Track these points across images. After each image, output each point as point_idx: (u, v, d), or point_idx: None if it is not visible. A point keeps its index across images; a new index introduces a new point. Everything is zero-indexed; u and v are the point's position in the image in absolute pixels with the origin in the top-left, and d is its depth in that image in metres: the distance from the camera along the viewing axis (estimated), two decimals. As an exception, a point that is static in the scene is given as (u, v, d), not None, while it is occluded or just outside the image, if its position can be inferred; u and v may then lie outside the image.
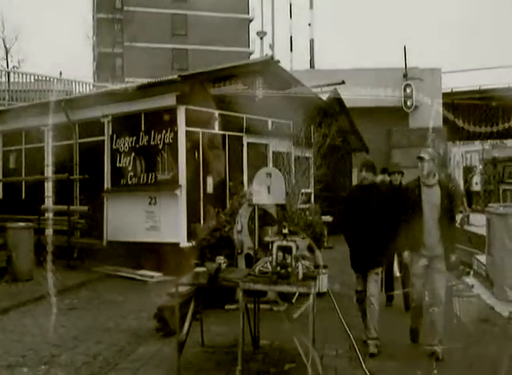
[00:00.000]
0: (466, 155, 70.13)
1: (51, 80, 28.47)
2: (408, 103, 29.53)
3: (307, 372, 5.84)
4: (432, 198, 7.35)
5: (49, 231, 17.02)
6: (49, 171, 17.65)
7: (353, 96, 24.16)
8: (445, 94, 30.51)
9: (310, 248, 8.42)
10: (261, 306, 8.60)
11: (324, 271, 10.14)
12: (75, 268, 14.67)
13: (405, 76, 29.57)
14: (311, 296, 6.04)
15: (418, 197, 7.38)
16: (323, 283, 10.33)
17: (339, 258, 14.00)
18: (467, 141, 56.31)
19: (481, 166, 60.58)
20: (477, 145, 65.25)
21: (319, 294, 9.78)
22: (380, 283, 8.15)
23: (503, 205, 16.25)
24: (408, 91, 29.48)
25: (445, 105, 28.85)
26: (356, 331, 8.02)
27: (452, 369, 6.68)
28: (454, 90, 33.46)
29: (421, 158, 7.44)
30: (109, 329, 8.93)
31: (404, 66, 29.76)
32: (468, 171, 59.76)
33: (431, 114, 27.73)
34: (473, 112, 32.26)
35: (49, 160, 17.76)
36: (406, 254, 7.57)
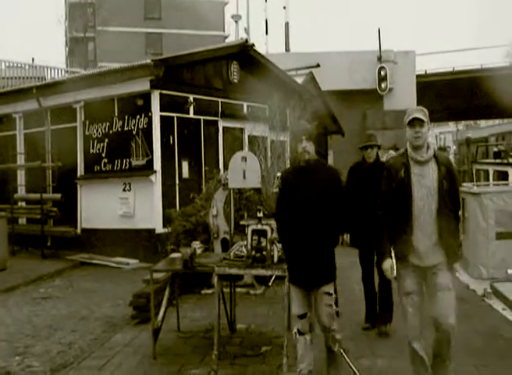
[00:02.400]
0: (440, 136, 70.84)
1: (23, 66, 28.07)
2: (382, 86, 29.50)
3: (283, 354, 5.83)
4: (425, 181, 5.00)
5: (22, 220, 16.89)
6: (21, 159, 17.44)
7: (328, 79, 24.12)
8: (419, 76, 30.58)
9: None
10: (238, 290, 8.59)
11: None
12: (49, 256, 14.56)
13: (379, 58, 29.52)
14: (287, 279, 6.00)
15: (405, 179, 5.02)
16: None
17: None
18: (441, 123, 56.83)
19: (454, 147, 61.26)
20: (451, 126, 65.97)
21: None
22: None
23: (476, 184, 16.36)
24: (382, 73, 29.45)
25: (419, 86, 28.96)
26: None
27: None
28: (428, 72, 33.60)
29: (414, 121, 5.04)
30: (84, 317, 8.85)
31: (379, 48, 29.72)
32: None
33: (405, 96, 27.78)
34: (447, 94, 32.44)
35: (21, 148, 17.54)
36: (386, 265, 5.05)
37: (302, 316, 5.40)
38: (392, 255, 5.07)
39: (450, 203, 5.03)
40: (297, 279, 5.34)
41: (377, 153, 7.70)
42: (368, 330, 7.48)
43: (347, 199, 6.57)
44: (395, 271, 5.03)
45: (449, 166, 5.13)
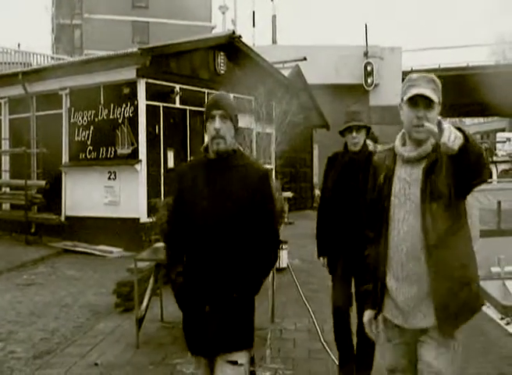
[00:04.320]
0: (425, 133, 71.14)
1: (9, 51, 27.82)
2: (369, 81, 29.62)
3: (266, 346, 5.88)
4: (413, 191, 3.22)
5: (6, 206, 16.81)
6: (6, 145, 17.34)
7: (314, 73, 24.17)
8: (405, 73, 30.71)
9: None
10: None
11: (284, 246, 10.19)
12: (33, 243, 14.49)
13: (366, 54, 29.62)
14: (271, 271, 6.05)
15: (384, 188, 3.34)
16: (283, 258, 10.38)
17: (299, 233, 14.11)
18: (427, 119, 57.03)
19: (439, 144, 61.47)
20: (436, 123, 66.20)
21: (279, 269, 9.86)
22: None
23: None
24: (369, 68, 29.56)
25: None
26: (315, 305, 8.09)
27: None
28: (414, 68, 33.74)
29: (418, 99, 3.14)
30: (68, 304, 8.85)
31: (365, 44, 29.81)
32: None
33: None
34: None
35: (6, 134, 17.44)
36: (367, 317, 3.45)
37: None
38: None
39: (456, 226, 3.20)
40: (193, 341, 3.51)
41: (365, 140, 5.32)
42: None
43: (324, 207, 5.46)
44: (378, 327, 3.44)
45: (451, 163, 2.99)
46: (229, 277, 3.36)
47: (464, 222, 3.28)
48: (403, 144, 3.33)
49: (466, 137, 2.78)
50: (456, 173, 3.00)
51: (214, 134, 3.42)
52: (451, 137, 2.72)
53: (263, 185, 3.50)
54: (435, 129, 2.78)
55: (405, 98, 3.19)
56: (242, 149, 3.65)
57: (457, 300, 3.17)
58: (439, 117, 2.99)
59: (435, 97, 3.15)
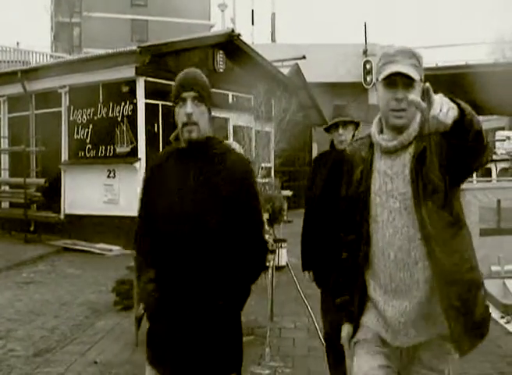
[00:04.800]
0: (424, 131, 71.17)
1: (8, 50, 27.79)
2: (368, 79, 29.59)
3: (265, 344, 5.89)
4: (397, 185, 2.76)
5: (5, 204, 16.81)
6: (5, 143, 17.33)
7: (313, 71, 24.17)
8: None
9: (269, 222, 8.45)
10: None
11: (283, 245, 10.20)
12: (32, 241, 14.49)
13: (365, 52, 29.59)
14: (270, 269, 6.05)
15: (362, 185, 2.86)
16: (282, 256, 10.39)
17: (298, 232, 14.10)
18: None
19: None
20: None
21: (278, 268, 9.87)
22: None
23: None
24: (368, 67, 29.53)
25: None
26: (314, 303, 8.09)
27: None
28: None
29: (396, 79, 2.65)
30: (67, 303, 8.85)
31: (364, 42, 29.79)
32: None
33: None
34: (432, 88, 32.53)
35: (5, 132, 17.44)
36: (345, 333, 2.97)
37: None
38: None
39: (458, 224, 2.75)
40: (162, 361, 2.96)
41: (353, 135, 4.76)
42: None
43: (310, 218, 4.99)
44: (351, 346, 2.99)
45: (442, 153, 2.60)
46: (209, 286, 2.81)
47: (463, 218, 2.80)
48: (381, 132, 2.83)
49: (461, 108, 2.30)
50: (451, 156, 2.51)
51: (185, 120, 2.86)
52: (443, 109, 2.24)
53: (248, 180, 2.96)
54: (422, 102, 2.28)
55: (380, 78, 2.69)
56: (218, 137, 3.11)
57: (474, 308, 2.68)
58: (427, 84, 2.29)
59: (417, 74, 2.64)
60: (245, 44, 17.50)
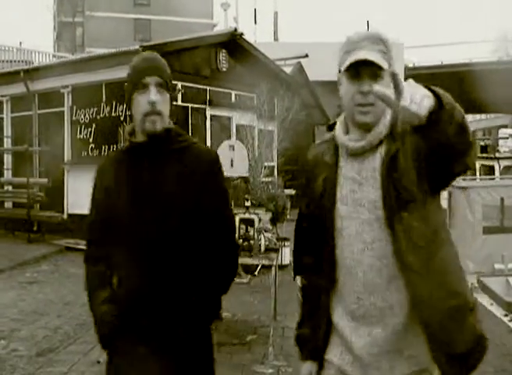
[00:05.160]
0: (427, 129, 71.24)
1: (11, 49, 27.83)
2: (371, 77, 29.60)
3: (268, 343, 5.88)
4: (365, 193, 2.32)
5: (8, 204, 16.82)
6: (8, 143, 17.35)
7: (316, 69, 24.14)
8: (407, 69, 30.70)
9: (272, 221, 8.45)
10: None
11: (286, 243, 10.19)
12: (35, 241, 14.49)
13: (368, 50, 29.56)
14: (273, 268, 6.05)
15: (326, 194, 2.41)
16: (285, 255, 10.37)
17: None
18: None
19: (441, 141, 61.50)
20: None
21: (281, 267, 9.86)
22: None
23: (463, 178, 16.51)
24: (371, 65, 29.53)
25: (407, 79, 29.08)
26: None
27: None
28: (416, 65, 33.73)
29: (361, 69, 2.24)
30: (70, 302, 8.84)
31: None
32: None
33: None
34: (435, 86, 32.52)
35: (8, 131, 17.45)
36: (305, 371, 2.49)
37: None
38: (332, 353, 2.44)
39: (440, 238, 2.33)
40: None
41: None
42: None
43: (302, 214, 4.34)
44: None
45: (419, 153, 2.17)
46: (171, 307, 2.43)
47: (446, 233, 2.40)
48: (347, 132, 2.41)
49: (438, 96, 1.92)
50: (430, 158, 2.10)
51: (148, 109, 2.49)
52: (415, 98, 1.86)
53: (214, 176, 2.56)
54: (389, 92, 1.92)
55: (343, 68, 2.29)
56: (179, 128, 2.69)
57: (459, 337, 2.26)
58: (393, 68, 2.06)
59: (385, 62, 2.22)
60: (248, 43, 17.50)
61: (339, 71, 2.35)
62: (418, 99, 1.88)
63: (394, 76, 1.95)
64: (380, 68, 2.22)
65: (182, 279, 2.46)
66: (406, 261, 2.21)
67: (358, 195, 2.31)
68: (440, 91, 1.96)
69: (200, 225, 2.47)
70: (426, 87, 1.95)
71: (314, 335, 2.46)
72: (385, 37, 2.33)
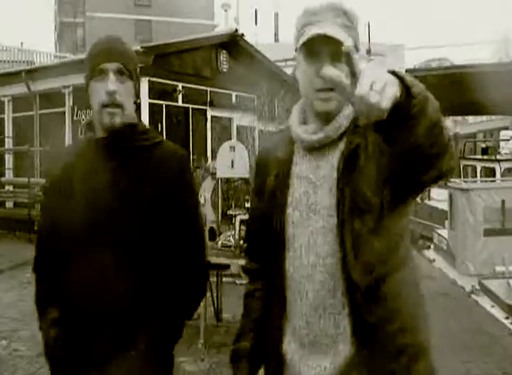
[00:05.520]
0: (428, 131, 71.27)
1: (12, 50, 27.86)
2: (372, 79, 29.65)
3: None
4: (321, 197, 1.91)
5: (9, 204, 16.82)
6: (9, 143, 17.36)
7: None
8: (408, 71, 30.77)
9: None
10: (224, 280, 8.64)
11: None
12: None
13: (368, 51, 29.62)
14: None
15: (277, 194, 2.00)
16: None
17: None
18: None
19: (442, 142, 61.53)
20: (439, 121, 66.25)
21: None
22: None
23: (464, 180, 16.54)
24: (372, 66, 29.58)
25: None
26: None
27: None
28: (417, 66, 33.77)
29: (318, 46, 1.83)
30: (71, 302, 8.84)
31: (368, 41, 29.82)
32: (430, 147, 60.58)
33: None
34: (435, 89, 32.60)
35: (9, 132, 17.46)
36: None
37: None
38: None
39: (395, 258, 1.92)
40: None
41: None
42: None
43: None
44: None
45: (380, 151, 1.79)
46: (128, 330, 2.10)
47: (407, 248, 1.98)
48: (304, 122, 2.02)
49: (405, 84, 1.49)
50: (393, 160, 1.70)
51: (106, 100, 2.13)
52: (376, 85, 1.39)
53: (182, 180, 2.22)
54: (342, 76, 1.44)
55: (299, 45, 1.89)
56: (145, 124, 2.37)
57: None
58: (347, 44, 1.51)
59: (349, 38, 1.84)
60: (248, 43, 17.53)
61: (296, 49, 1.93)
62: (379, 87, 1.40)
63: (348, 55, 1.45)
64: (341, 44, 1.68)
65: (141, 298, 2.12)
66: (353, 281, 1.83)
67: (312, 199, 1.92)
68: (409, 78, 1.52)
69: (163, 238, 2.12)
70: (393, 72, 1.51)
71: (255, 353, 2.11)
72: (351, 9, 1.95)
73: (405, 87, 1.49)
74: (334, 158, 1.90)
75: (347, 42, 1.74)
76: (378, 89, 1.40)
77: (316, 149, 1.94)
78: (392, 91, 1.43)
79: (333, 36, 1.79)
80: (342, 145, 1.90)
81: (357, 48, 1.89)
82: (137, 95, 2.26)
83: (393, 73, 1.50)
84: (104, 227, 2.09)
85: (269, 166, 2.07)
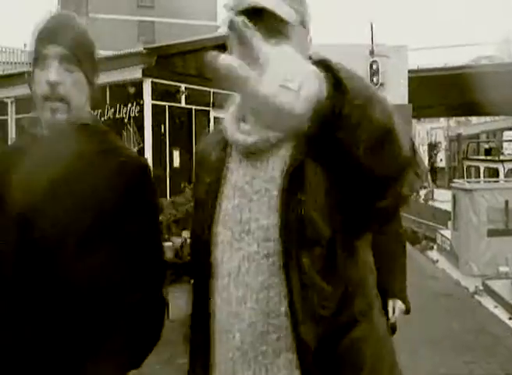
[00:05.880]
0: (431, 131, 71.31)
1: (15, 51, 27.88)
2: (374, 80, 29.51)
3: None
4: (256, 212, 1.47)
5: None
6: (12, 144, 17.38)
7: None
8: (411, 71, 30.69)
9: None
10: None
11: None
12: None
13: (371, 53, 29.55)
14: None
15: (208, 206, 1.58)
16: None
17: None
18: (433, 118, 57.15)
19: (445, 143, 61.57)
20: (442, 122, 66.27)
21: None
22: None
23: (467, 180, 16.51)
24: (374, 67, 29.49)
25: (410, 82, 29.07)
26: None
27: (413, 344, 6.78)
28: (420, 67, 33.72)
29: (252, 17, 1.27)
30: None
31: (371, 42, 29.76)
32: (433, 147, 60.64)
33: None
34: (439, 90, 32.58)
35: (13, 133, 17.45)
36: None
37: None
38: None
39: (350, 301, 1.45)
40: None
41: None
42: None
43: None
44: None
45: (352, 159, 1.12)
46: (71, 362, 1.68)
47: (370, 293, 1.55)
48: (243, 120, 1.57)
49: (336, 77, 1.07)
50: (334, 183, 1.30)
51: (47, 92, 1.75)
52: (287, 78, 0.97)
53: (141, 193, 1.79)
54: (242, 65, 1.01)
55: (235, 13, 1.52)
56: (101, 124, 2.06)
57: None
58: (241, 18, 1.05)
59: (290, 12, 1.52)
60: (251, 44, 17.53)
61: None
62: (296, 83, 0.96)
63: (241, 34, 1.02)
64: (282, 20, 1.48)
65: (79, 333, 1.70)
66: (299, 335, 1.41)
67: (246, 216, 1.50)
68: (343, 68, 1.10)
69: (113, 261, 1.68)
70: (321, 62, 1.08)
71: None
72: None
73: (336, 80, 1.06)
74: (275, 169, 1.49)
75: (288, 17, 1.49)
76: (295, 87, 0.96)
77: (252, 155, 1.53)
78: (314, 87, 0.99)
79: (265, 7, 1.46)
80: (285, 153, 1.49)
81: (304, 26, 1.61)
82: (93, 88, 1.95)
83: (322, 62, 1.08)
84: (41, 244, 1.69)
85: (203, 170, 1.69)
